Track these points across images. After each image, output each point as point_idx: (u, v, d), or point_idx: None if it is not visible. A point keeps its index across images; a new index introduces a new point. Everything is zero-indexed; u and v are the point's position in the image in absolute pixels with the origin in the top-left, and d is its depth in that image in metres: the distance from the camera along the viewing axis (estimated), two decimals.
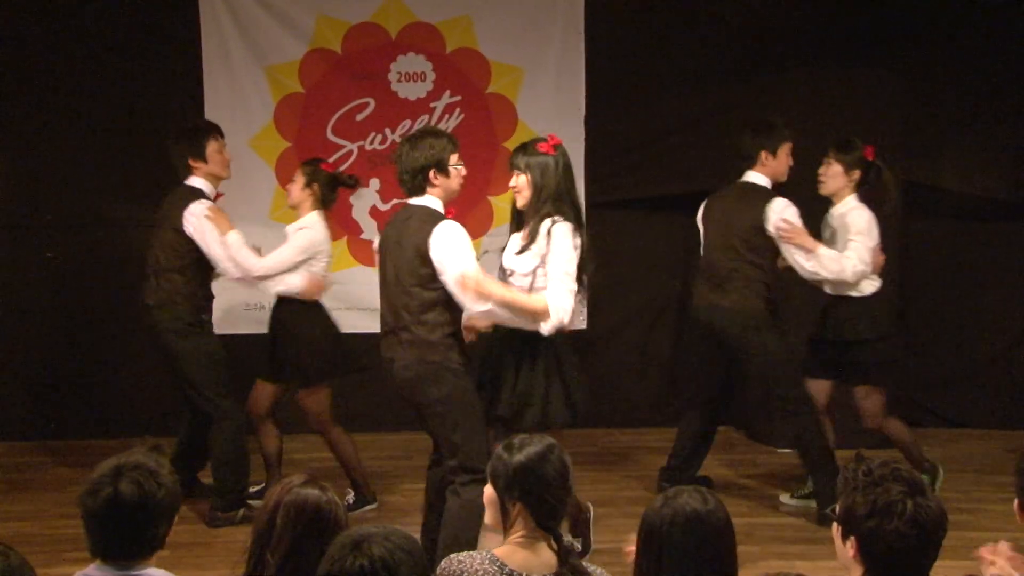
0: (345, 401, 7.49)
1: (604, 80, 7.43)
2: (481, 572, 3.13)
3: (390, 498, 6.37)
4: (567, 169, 4.97)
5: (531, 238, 4.92)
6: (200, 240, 5.86)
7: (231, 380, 6.11)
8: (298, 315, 6.04)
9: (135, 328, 7.22)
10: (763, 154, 5.96)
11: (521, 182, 4.95)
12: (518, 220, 5.06)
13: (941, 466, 6.22)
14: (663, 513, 2.86)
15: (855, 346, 6.00)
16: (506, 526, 3.22)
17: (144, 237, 6.23)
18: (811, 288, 6.16)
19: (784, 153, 5.99)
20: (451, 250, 4.77)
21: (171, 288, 5.96)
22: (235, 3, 7.26)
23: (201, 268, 5.97)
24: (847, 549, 2.75)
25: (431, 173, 4.88)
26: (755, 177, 5.99)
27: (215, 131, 6.11)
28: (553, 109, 7.38)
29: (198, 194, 5.95)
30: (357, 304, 7.32)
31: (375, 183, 7.47)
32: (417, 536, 3.14)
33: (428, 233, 4.79)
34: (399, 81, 7.43)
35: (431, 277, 4.81)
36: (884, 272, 6.07)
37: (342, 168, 7.31)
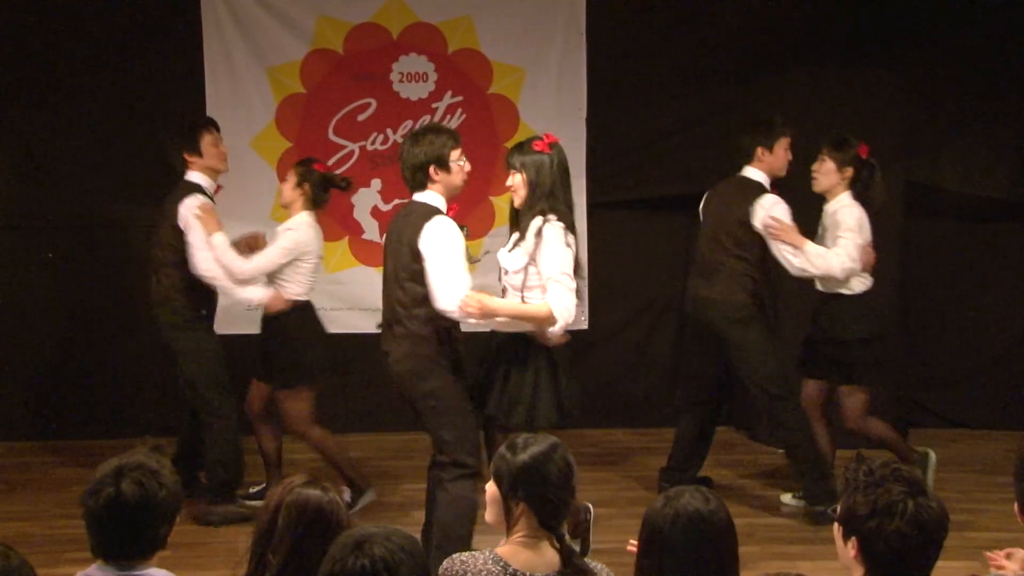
0: (346, 401, 7.54)
1: (605, 81, 7.43)
2: (484, 572, 3.13)
3: (390, 498, 6.37)
4: (563, 167, 4.96)
5: (522, 235, 4.93)
6: (186, 235, 5.88)
7: (230, 380, 6.13)
8: (287, 316, 6.03)
9: (135, 328, 7.27)
10: (759, 150, 6.00)
11: (517, 181, 4.96)
12: (515, 219, 5.07)
13: (932, 452, 6.22)
14: (665, 513, 2.86)
15: (844, 344, 6.01)
16: (509, 525, 3.23)
17: (144, 237, 6.24)
18: (810, 287, 6.17)
19: (781, 149, 6.01)
20: (437, 247, 4.81)
21: (169, 284, 6.00)
22: (236, 4, 7.26)
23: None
24: (848, 549, 2.75)
25: (431, 169, 4.92)
26: (751, 173, 6.03)
27: (210, 124, 6.14)
28: (554, 109, 7.38)
29: (195, 188, 5.99)
30: (358, 304, 7.32)
31: (376, 183, 7.47)
32: (417, 536, 3.14)
33: (420, 228, 4.84)
34: (401, 81, 7.43)
35: (423, 272, 4.85)
36: (876, 271, 6.08)
37: (343, 168, 7.33)
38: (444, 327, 4.92)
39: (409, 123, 7.37)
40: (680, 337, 7.66)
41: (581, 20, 7.37)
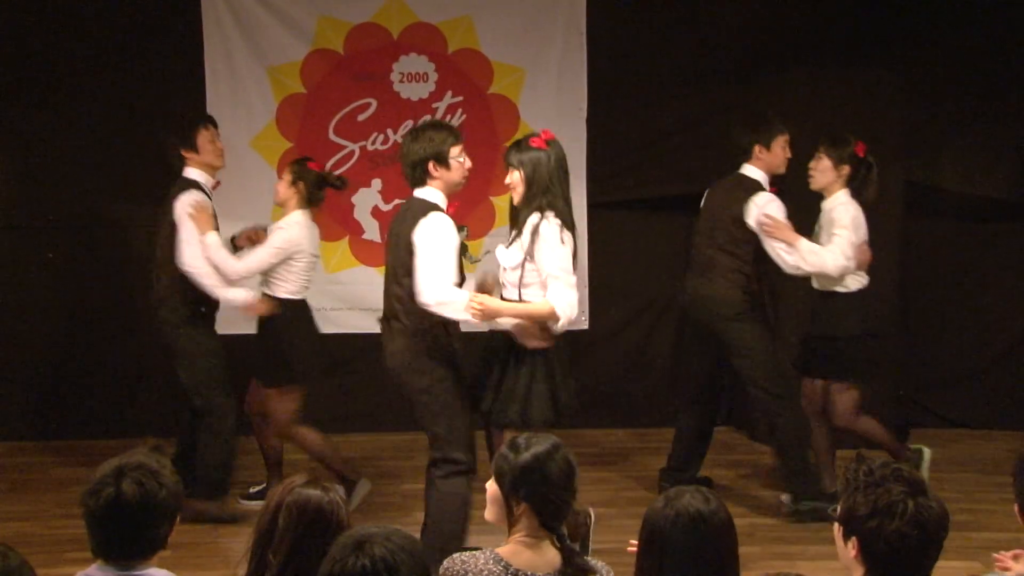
0: (346, 401, 7.54)
1: (605, 81, 7.43)
2: (486, 572, 3.13)
3: (390, 498, 6.37)
4: (560, 164, 4.96)
5: (519, 232, 4.93)
6: (177, 230, 5.92)
7: (230, 379, 6.14)
8: (279, 315, 6.04)
9: (135, 328, 7.27)
10: (757, 148, 6.01)
11: (515, 178, 4.96)
12: (515, 217, 5.08)
13: (926, 449, 6.22)
14: (665, 513, 2.86)
15: (838, 341, 6.01)
16: (510, 525, 3.23)
17: (144, 237, 6.25)
18: (810, 288, 6.17)
19: (779, 146, 6.02)
20: (427, 241, 4.83)
21: (169, 282, 6.02)
22: (237, 3, 7.26)
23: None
24: (849, 549, 2.75)
25: (430, 165, 4.94)
26: (749, 171, 6.05)
27: (206, 121, 6.17)
28: (554, 109, 7.38)
29: (192, 185, 6.01)
30: (358, 304, 7.32)
31: (377, 183, 7.47)
32: (417, 536, 3.14)
33: (416, 223, 4.87)
34: (401, 81, 7.43)
35: None
36: (871, 268, 6.09)
37: (343, 168, 7.33)
38: (441, 323, 4.92)
39: (409, 123, 7.36)
40: (680, 337, 7.66)
41: (581, 20, 7.37)
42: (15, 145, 7.40)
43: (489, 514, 3.30)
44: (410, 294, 4.89)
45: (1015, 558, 3.43)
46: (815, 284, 6.12)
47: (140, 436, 3.37)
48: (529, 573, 3.16)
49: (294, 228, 6.01)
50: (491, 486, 3.27)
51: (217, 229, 6.16)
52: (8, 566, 2.66)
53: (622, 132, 7.52)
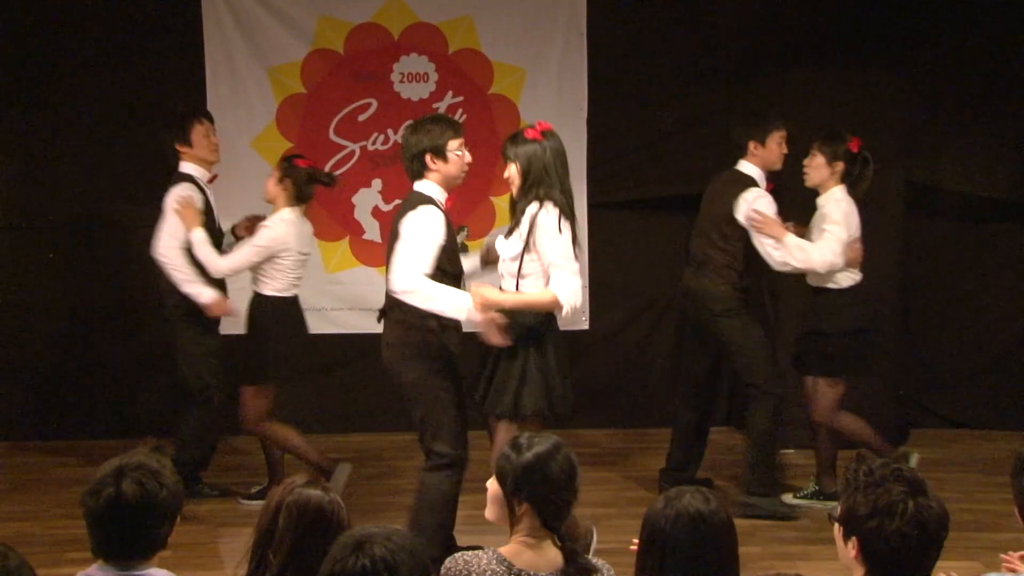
0: (346, 401, 7.55)
1: (605, 81, 7.43)
2: (489, 572, 3.13)
3: (390, 498, 6.36)
4: (557, 154, 4.95)
5: (517, 222, 4.93)
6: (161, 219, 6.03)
7: (228, 378, 6.18)
8: (264, 313, 6.06)
9: (135, 328, 7.28)
10: (752, 144, 6.02)
11: (512, 171, 4.97)
12: (513, 209, 5.08)
13: (915, 453, 6.22)
14: (665, 514, 2.86)
15: (826, 337, 6.02)
16: (511, 524, 3.23)
17: (145, 237, 6.25)
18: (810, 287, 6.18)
19: (774, 142, 6.03)
20: (410, 230, 4.87)
21: (169, 280, 6.10)
22: (237, 4, 7.26)
23: (192, 256, 6.05)
24: (849, 549, 2.75)
25: (428, 157, 4.96)
26: (744, 167, 6.06)
27: (201, 115, 6.22)
28: (555, 110, 7.37)
29: (185, 179, 6.09)
30: (359, 304, 7.32)
31: (377, 183, 7.47)
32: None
33: (406, 214, 4.92)
34: (401, 82, 7.43)
35: None
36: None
37: (344, 168, 7.34)
38: (435, 317, 4.92)
39: (410, 123, 7.36)
40: (680, 337, 7.66)
41: (581, 20, 7.37)
42: (15, 145, 7.40)
43: (490, 513, 3.30)
44: None
45: (1023, 559, 3.43)
46: (809, 280, 6.13)
47: (140, 436, 3.36)
48: (531, 573, 3.16)
49: (280, 226, 6.02)
50: (492, 485, 3.26)
51: (215, 224, 6.19)
52: (8, 566, 2.66)
53: (622, 132, 7.52)
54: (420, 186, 5.01)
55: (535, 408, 4.92)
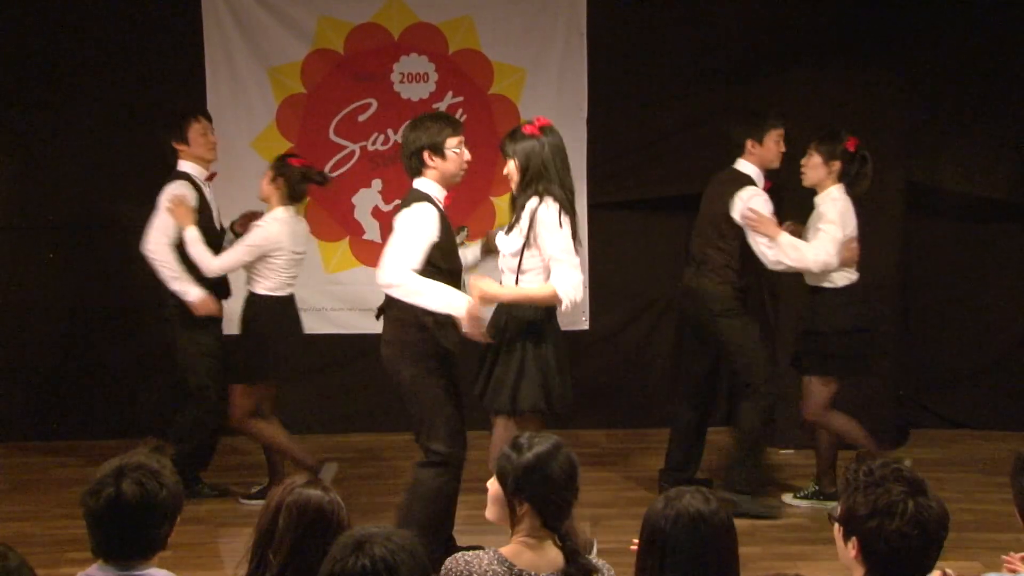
0: (346, 401, 7.55)
1: (605, 81, 7.43)
2: (490, 572, 3.13)
3: (390, 498, 6.35)
4: (556, 150, 4.93)
5: (517, 217, 4.93)
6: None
7: (223, 380, 6.20)
8: (256, 312, 6.07)
9: (135, 328, 7.28)
10: (749, 142, 6.03)
11: (510, 167, 4.97)
12: (514, 205, 5.07)
13: (907, 461, 6.20)
14: (665, 514, 2.86)
15: (820, 336, 6.02)
16: (512, 524, 3.22)
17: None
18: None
19: (771, 140, 6.03)
20: (401, 225, 4.90)
21: None
22: (237, 4, 7.26)
23: (183, 254, 6.08)
24: (849, 550, 2.75)
25: (426, 154, 4.98)
26: (742, 166, 6.07)
27: (198, 113, 6.24)
28: (555, 110, 7.35)
29: (180, 176, 6.12)
30: (359, 304, 7.31)
31: (377, 184, 7.47)
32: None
33: (401, 211, 4.95)
34: (401, 82, 7.43)
35: None
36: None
37: (344, 169, 7.34)
38: (428, 312, 4.92)
39: (410, 121, 7.37)
40: (680, 337, 7.66)
41: (582, 20, 7.37)
42: (15, 145, 7.40)
43: (490, 513, 3.29)
44: None
45: None
46: (806, 280, 6.13)
47: (140, 436, 3.36)
48: (532, 573, 3.16)
49: (272, 225, 6.03)
50: (492, 485, 3.26)
51: (212, 223, 6.20)
52: (8, 566, 2.66)
53: (622, 132, 7.52)
54: (418, 183, 5.02)
55: (532, 404, 4.92)
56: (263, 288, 6.07)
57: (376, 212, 7.47)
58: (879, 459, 2.83)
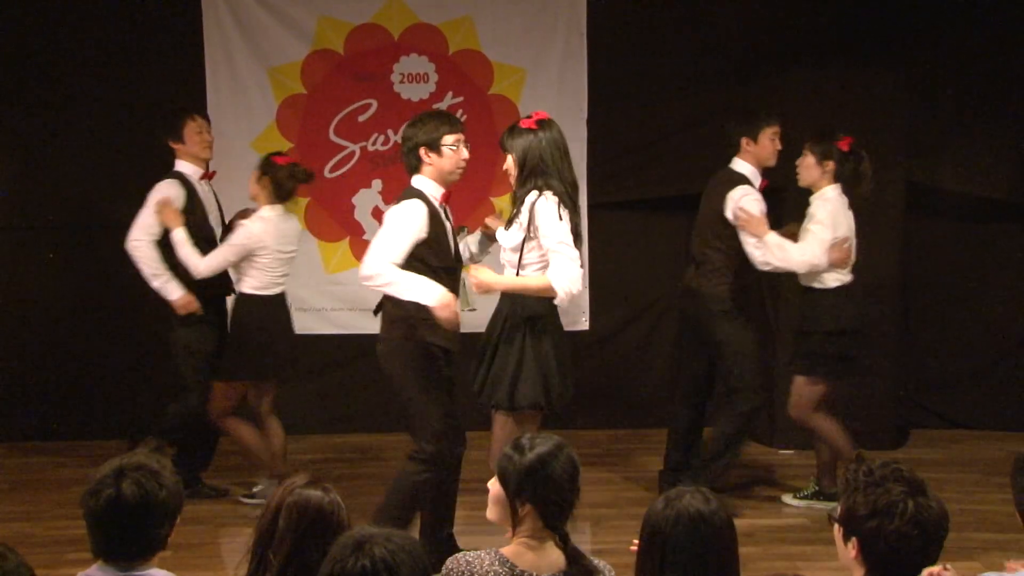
0: (346, 401, 7.54)
1: (605, 81, 7.43)
2: (491, 573, 3.13)
3: None
4: (554, 144, 4.93)
5: (516, 211, 4.93)
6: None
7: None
8: (249, 313, 6.07)
9: (135, 328, 7.28)
10: (744, 141, 6.03)
11: (509, 163, 4.97)
12: (514, 201, 5.07)
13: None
14: (666, 514, 2.86)
15: (810, 336, 6.01)
16: (513, 525, 3.22)
17: None
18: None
19: (767, 138, 6.02)
20: (387, 220, 4.94)
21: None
22: (237, 4, 7.26)
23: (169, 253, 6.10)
24: (849, 550, 2.75)
25: (422, 151, 5.00)
26: (738, 164, 6.07)
27: (193, 112, 6.24)
28: (555, 110, 7.27)
29: (172, 176, 6.14)
30: (359, 304, 7.30)
31: (377, 184, 7.47)
32: (416, 535, 3.14)
33: (392, 206, 4.97)
34: (401, 82, 7.44)
35: None
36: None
37: (344, 169, 7.34)
38: (419, 308, 4.91)
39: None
40: (680, 337, 7.66)
41: (582, 21, 7.38)
42: (15, 145, 7.40)
43: (491, 514, 3.29)
44: None
45: None
46: (800, 280, 6.12)
47: (140, 436, 3.37)
48: (533, 574, 3.16)
49: (256, 224, 6.04)
50: (493, 486, 3.26)
51: (207, 223, 6.20)
52: (6, 567, 2.66)
53: (622, 132, 7.52)
54: (415, 181, 5.04)
55: (531, 400, 4.91)
56: (249, 287, 6.07)
57: (376, 212, 7.46)
58: (879, 460, 2.83)
